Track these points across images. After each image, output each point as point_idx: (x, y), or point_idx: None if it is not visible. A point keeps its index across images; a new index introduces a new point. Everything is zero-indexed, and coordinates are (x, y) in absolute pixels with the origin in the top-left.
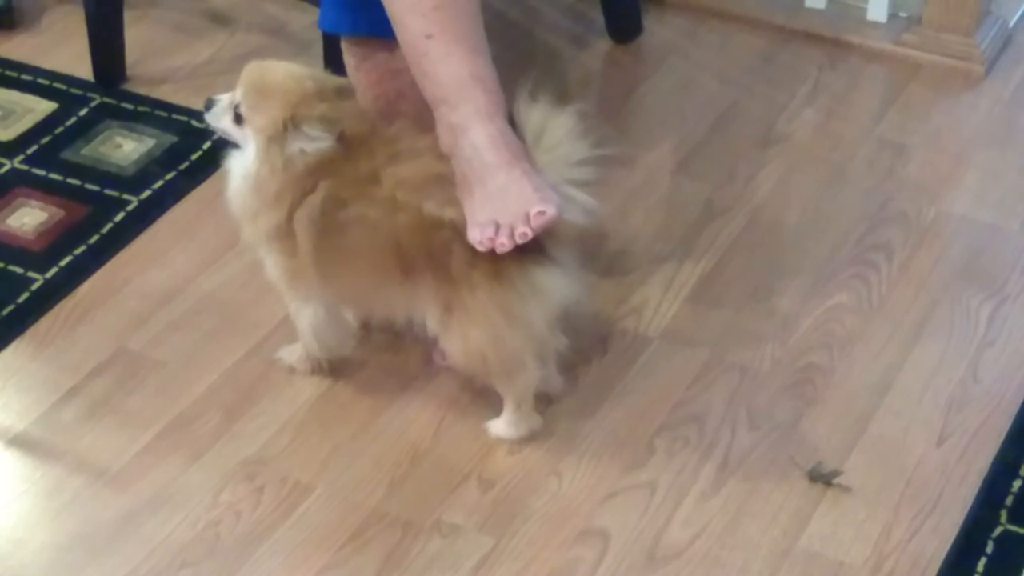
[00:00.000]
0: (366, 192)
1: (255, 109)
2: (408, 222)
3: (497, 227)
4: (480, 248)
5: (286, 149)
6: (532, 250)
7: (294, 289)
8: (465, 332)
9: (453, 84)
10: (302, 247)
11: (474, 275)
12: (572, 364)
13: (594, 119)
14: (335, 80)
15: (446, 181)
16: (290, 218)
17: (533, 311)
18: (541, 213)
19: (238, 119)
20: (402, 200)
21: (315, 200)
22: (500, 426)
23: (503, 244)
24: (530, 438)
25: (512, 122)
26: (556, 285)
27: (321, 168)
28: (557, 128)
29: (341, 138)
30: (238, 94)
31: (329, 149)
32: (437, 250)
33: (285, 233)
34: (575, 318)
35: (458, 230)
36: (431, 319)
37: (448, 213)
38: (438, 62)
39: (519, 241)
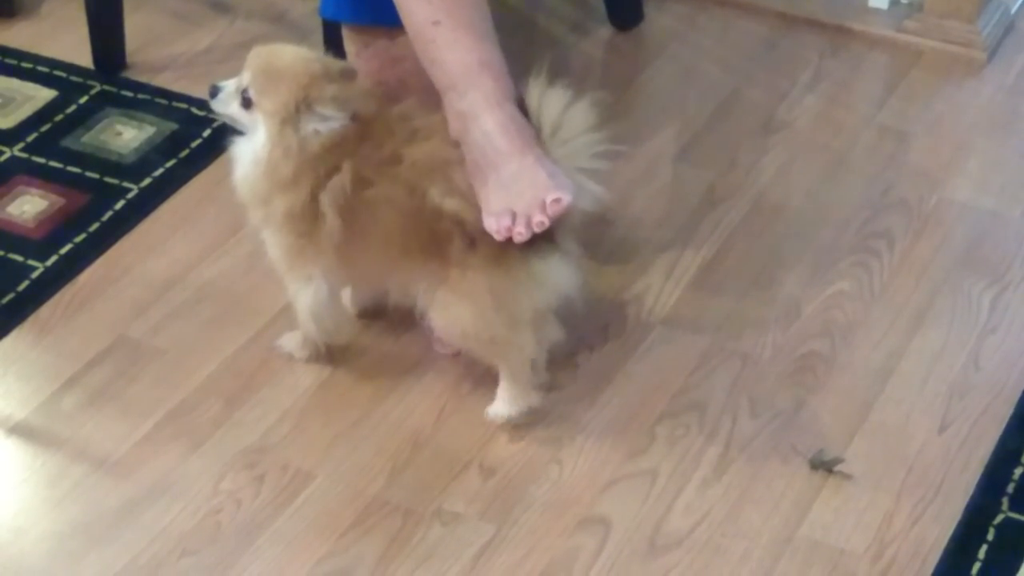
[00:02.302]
0: (389, 172)
1: (265, 93)
2: (419, 204)
3: (513, 216)
4: (498, 237)
5: (300, 131)
6: (537, 238)
7: (297, 269)
8: (449, 306)
9: (461, 71)
10: (330, 226)
11: (471, 259)
12: (573, 351)
13: (608, 108)
14: (339, 63)
15: (452, 167)
16: (313, 199)
17: (524, 299)
18: (557, 201)
19: (246, 103)
20: (414, 182)
21: (343, 179)
22: (497, 405)
23: (520, 233)
24: (529, 418)
25: (523, 108)
26: (556, 275)
27: (343, 147)
28: (574, 120)
29: (355, 117)
30: (245, 78)
31: (348, 128)
32: (439, 235)
33: (303, 214)
34: (577, 305)
35: (458, 222)
36: (422, 294)
37: (448, 204)
38: (445, 49)
39: (536, 230)
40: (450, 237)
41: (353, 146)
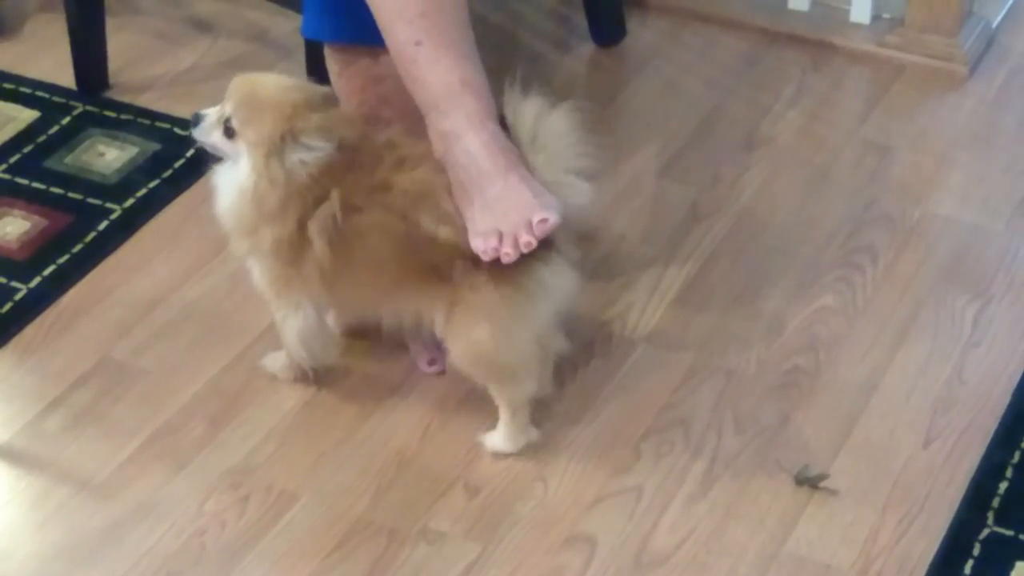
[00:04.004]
0: (378, 199)
1: (248, 123)
2: (411, 231)
3: (500, 236)
4: (485, 258)
5: (286, 162)
6: (539, 246)
7: (284, 297)
8: (469, 328)
9: (443, 91)
10: (318, 254)
11: (477, 277)
12: (558, 369)
13: (588, 119)
14: (320, 89)
15: (440, 194)
16: (301, 228)
17: (539, 308)
18: (544, 221)
19: (229, 133)
20: (405, 210)
21: (331, 208)
22: (496, 440)
23: (508, 254)
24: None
25: (503, 124)
26: (561, 281)
27: (329, 176)
28: (550, 127)
29: (340, 146)
30: (228, 108)
31: (334, 157)
32: (438, 260)
33: (290, 244)
34: (562, 322)
35: (453, 248)
36: (438, 322)
37: (442, 232)
38: (427, 69)
39: (524, 251)
40: (451, 260)
41: (340, 174)
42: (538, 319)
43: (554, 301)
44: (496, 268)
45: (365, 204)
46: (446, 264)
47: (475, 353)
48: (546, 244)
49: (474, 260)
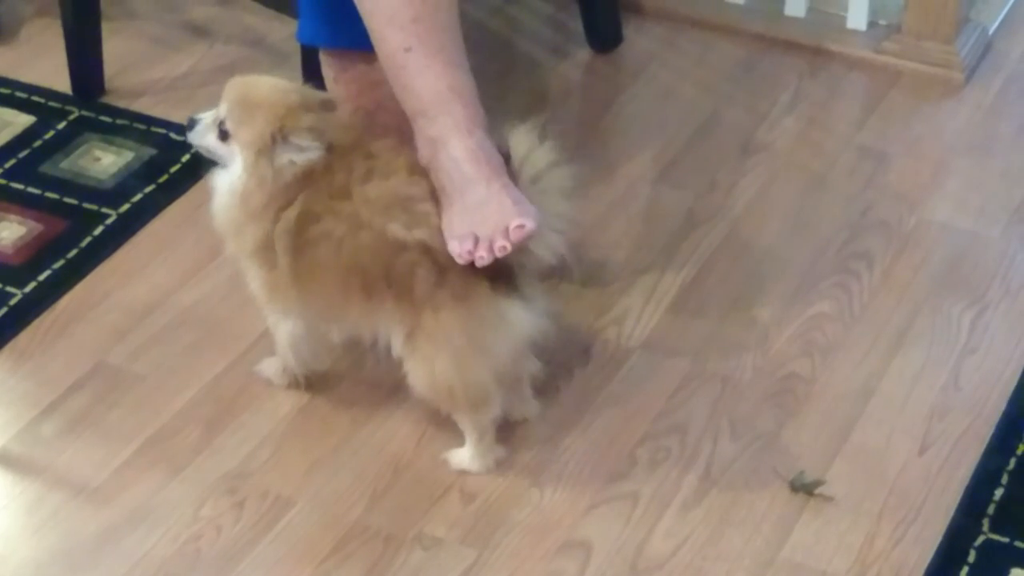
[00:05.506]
0: (335, 207)
1: (241, 123)
2: (370, 242)
3: (476, 240)
4: (460, 261)
5: (275, 161)
6: (502, 281)
7: (273, 303)
8: (431, 361)
9: (431, 97)
10: (280, 260)
11: (438, 297)
12: (553, 375)
13: (583, 138)
14: (319, 94)
15: (416, 202)
16: (272, 230)
17: (498, 340)
18: (520, 227)
19: (223, 135)
20: (366, 219)
21: (292, 213)
22: (464, 458)
23: (482, 257)
24: (495, 469)
25: (506, 157)
26: (521, 319)
27: (302, 181)
28: (538, 160)
29: (330, 149)
30: (222, 110)
31: (317, 161)
32: (400, 273)
33: (268, 246)
34: (556, 330)
35: (426, 251)
36: (395, 343)
37: (417, 234)
38: (416, 75)
39: (498, 255)
40: (414, 273)
41: (312, 180)
42: (497, 350)
43: (513, 335)
44: (459, 291)
45: (323, 212)
46: (408, 278)
47: (439, 386)
48: (509, 280)
49: (440, 270)
